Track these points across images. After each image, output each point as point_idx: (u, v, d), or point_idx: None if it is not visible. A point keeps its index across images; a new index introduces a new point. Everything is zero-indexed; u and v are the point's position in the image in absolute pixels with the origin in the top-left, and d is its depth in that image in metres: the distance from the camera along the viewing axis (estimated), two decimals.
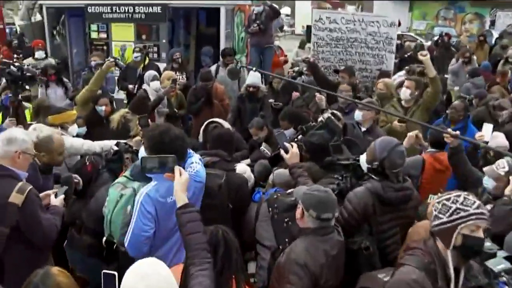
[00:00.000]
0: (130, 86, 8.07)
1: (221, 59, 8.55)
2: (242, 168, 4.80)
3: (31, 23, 11.50)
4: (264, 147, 5.01)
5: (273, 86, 7.74)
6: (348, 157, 3.97)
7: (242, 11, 10.93)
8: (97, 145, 5.01)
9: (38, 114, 5.41)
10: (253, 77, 6.92)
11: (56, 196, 3.73)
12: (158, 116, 7.03)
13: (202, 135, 6.03)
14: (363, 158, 3.52)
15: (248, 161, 5.60)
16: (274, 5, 9.91)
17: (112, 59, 6.90)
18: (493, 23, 32.54)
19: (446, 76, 11.00)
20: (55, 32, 11.17)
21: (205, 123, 6.08)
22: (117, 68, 7.76)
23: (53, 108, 5.29)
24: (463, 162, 4.37)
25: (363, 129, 5.37)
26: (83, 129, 6.22)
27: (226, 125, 6.04)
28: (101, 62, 7.44)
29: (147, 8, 9.86)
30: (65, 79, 7.99)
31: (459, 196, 2.43)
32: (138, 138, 5.00)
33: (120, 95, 8.91)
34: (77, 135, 6.10)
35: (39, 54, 8.88)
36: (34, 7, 12.03)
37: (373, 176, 3.44)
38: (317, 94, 5.87)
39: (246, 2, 11.14)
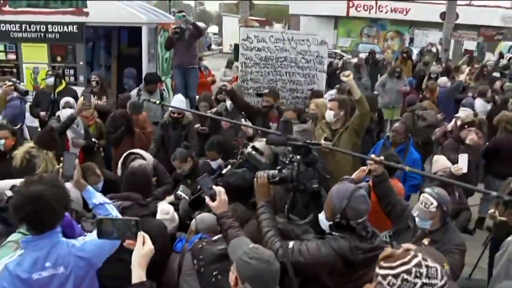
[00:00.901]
0: (42, 113, 7.29)
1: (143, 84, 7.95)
2: (165, 208, 4.27)
3: None
4: (181, 191, 4.50)
5: (200, 110, 7.23)
6: (298, 138, 3.49)
7: (166, 30, 10.37)
8: None
9: None
10: (176, 102, 6.40)
11: None
12: (73, 147, 6.32)
13: (121, 168, 5.45)
14: (322, 217, 3.06)
15: (172, 198, 5.06)
16: (199, 23, 9.47)
17: (10, 83, 6.08)
18: (411, 40, 34.11)
19: (376, 92, 11.01)
20: None
21: (124, 154, 5.50)
22: (17, 94, 6.90)
23: None
24: (389, 192, 4.09)
25: None
26: None
27: (147, 156, 5.50)
28: None
29: (61, 27, 9.05)
30: None
31: (419, 265, 1.92)
32: None
33: (35, 123, 8.11)
34: None
35: None
36: None
37: (337, 234, 2.95)
38: (242, 120, 5.45)
39: (170, 20, 10.57)
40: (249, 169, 3.97)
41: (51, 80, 7.57)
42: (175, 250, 3.61)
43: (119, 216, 3.12)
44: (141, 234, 2.30)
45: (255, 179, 3.24)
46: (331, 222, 2.96)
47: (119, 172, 5.53)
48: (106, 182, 5.25)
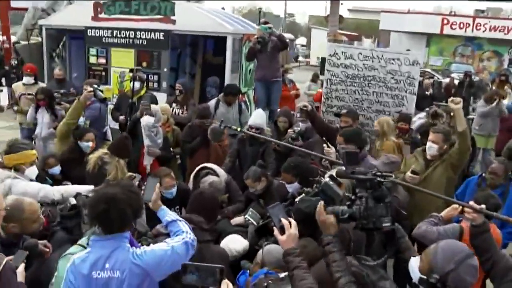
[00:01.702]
0: (121, 118, 7.33)
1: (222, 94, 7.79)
2: (233, 238, 4.07)
3: (29, 44, 10.90)
4: (249, 216, 4.22)
5: (279, 126, 6.94)
6: (365, 171, 3.11)
7: (251, 41, 10.24)
8: (56, 192, 4.25)
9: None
10: (256, 117, 6.15)
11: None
12: (148, 155, 6.26)
13: (192, 182, 5.29)
14: (414, 263, 2.67)
15: (241, 219, 4.81)
16: (286, 34, 9.18)
17: (90, 89, 6.14)
18: (511, 61, 31.83)
19: (469, 117, 10.19)
20: (54, 54, 10.57)
21: (197, 168, 5.33)
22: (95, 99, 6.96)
23: (12, 146, 4.52)
24: (490, 245, 3.40)
25: None
26: (57, 169, 5.49)
27: (220, 172, 5.30)
28: (68, 92, 6.91)
29: (149, 34, 9.19)
30: (58, 107, 7.26)
31: None
32: None
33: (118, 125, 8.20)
34: (51, 177, 5.38)
35: (27, 79, 8.21)
36: (33, 28, 11.52)
37: None
38: (325, 147, 5.06)
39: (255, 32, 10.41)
40: (324, 200, 3.63)
41: (136, 84, 7.63)
42: (237, 283, 3.32)
43: (190, 231, 3.07)
44: (225, 283, 2.26)
45: (318, 210, 2.88)
46: (423, 277, 2.54)
47: (190, 185, 5.37)
48: (179, 190, 5.12)
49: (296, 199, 3.70)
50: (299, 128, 6.21)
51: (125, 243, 2.80)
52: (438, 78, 20.22)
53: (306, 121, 6.27)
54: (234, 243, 4.11)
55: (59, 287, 2.95)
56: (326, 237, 2.81)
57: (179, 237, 2.99)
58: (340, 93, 7.40)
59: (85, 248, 3.09)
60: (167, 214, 3.21)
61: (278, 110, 8.28)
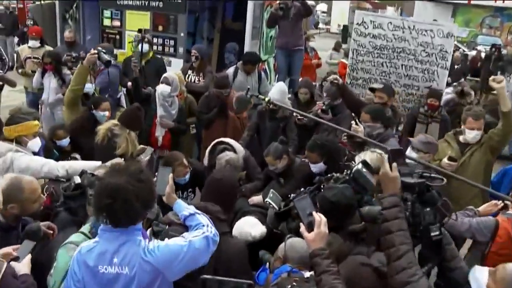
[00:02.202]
0: (129, 84, 6.96)
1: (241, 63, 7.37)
2: (249, 221, 3.75)
3: (41, 4, 10.50)
4: (270, 199, 3.87)
5: (299, 97, 6.56)
6: (411, 171, 2.76)
7: (272, 7, 9.73)
8: (61, 168, 3.94)
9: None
10: (275, 92, 5.73)
11: (18, 259, 2.73)
12: (160, 127, 5.93)
13: (208, 157, 4.95)
14: (480, 274, 2.34)
15: (259, 198, 4.50)
16: (308, 1, 8.66)
17: (94, 51, 5.70)
18: None
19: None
20: (67, 16, 10.16)
21: (213, 143, 4.99)
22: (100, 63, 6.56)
23: (13, 117, 4.20)
24: None
25: None
26: (66, 141, 5.20)
27: (238, 148, 4.95)
28: (79, 56, 6.48)
29: None
30: (66, 71, 6.92)
31: None
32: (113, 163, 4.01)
33: None
34: (60, 149, 5.09)
35: (32, 43, 7.84)
36: None
37: None
38: (353, 124, 4.64)
39: None
40: (355, 190, 3.27)
41: (145, 46, 7.24)
42: (256, 281, 3.00)
43: (211, 225, 2.74)
44: None
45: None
46: None
47: (205, 161, 5.05)
48: (191, 172, 4.81)
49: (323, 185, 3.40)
50: (329, 101, 5.76)
51: (136, 236, 2.49)
52: (464, 51, 19.43)
53: (335, 94, 5.80)
54: (252, 227, 3.78)
55: (59, 277, 2.69)
56: (391, 197, 2.43)
57: (199, 231, 2.65)
58: (366, 64, 6.93)
59: (87, 236, 2.82)
60: (184, 208, 2.87)
61: (300, 80, 7.87)
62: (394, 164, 2.45)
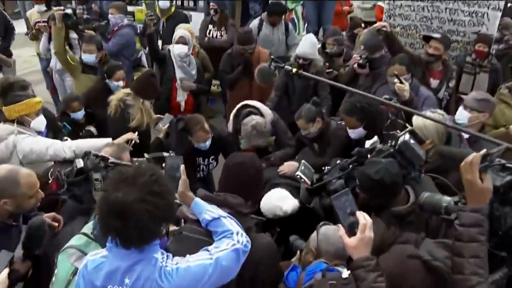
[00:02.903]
0: None
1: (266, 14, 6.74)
2: (280, 194, 3.30)
3: None
4: (301, 172, 3.39)
5: (327, 49, 5.98)
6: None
7: None
8: (67, 149, 3.55)
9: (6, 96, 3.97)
10: (304, 45, 5.15)
11: None
12: (182, 90, 5.46)
13: (233, 122, 4.52)
14: None
15: (292, 166, 4.02)
16: None
17: (60, 8, 5.40)
18: None
19: None
20: None
21: (237, 106, 4.53)
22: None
23: (9, 95, 3.81)
24: None
25: (465, 136, 3.63)
26: (81, 113, 4.86)
27: (265, 111, 4.49)
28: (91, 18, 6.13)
29: None
30: (73, 35, 6.42)
31: None
32: (124, 139, 3.61)
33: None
34: (74, 122, 4.73)
35: (38, 7, 7.33)
36: None
37: None
38: (397, 82, 4.02)
39: None
40: (401, 164, 2.78)
41: (165, 3, 6.68)
42: (286, 283, 2.56)
43: (241, 231, 2.26)
44: None
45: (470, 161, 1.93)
46: None
47: (230, 126, 4.60)
48: (215, 139, 4.44)
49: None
50: (367, 53, 5.12)
51: (153, 253, 2.05)
52: None
53: (377, 45, 5.15)
54: (282, 201, 3.37)
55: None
56: (475, 214, 1.92)
57: (227, 242, 2.18)
58: (405, 10, 6.20)
59: (90, 238, 2.42)
60: (205, 209, 2.35)
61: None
62: (487, 176, 1.91)
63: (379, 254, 2.22)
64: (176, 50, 5.36)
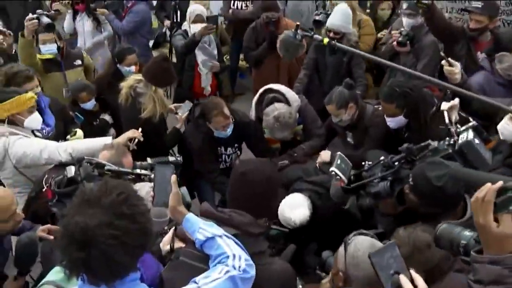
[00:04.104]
0: (167, 22, 6.01)
1: None
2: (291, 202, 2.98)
3: None
4: (336, 167, 2.87)
5: (380, 15, 5.43)
6: None
7: None
8: (63, 152, 3.17)
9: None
10: (337, 17, 4.54)
11: None
12: (205, 73, 5.02)
13: (255, 109, 4.07)
14: None
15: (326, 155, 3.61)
16: None
17: (31, 16, 4.23)
18: None
19: None
20: None
21: (260, 91, 4.06)
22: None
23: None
24: None
25: None
26: (91, 103, 4.54)
27: (292, 97, 4.03)
28: None
29: None
30: (101, 10, 6.03)
31: None
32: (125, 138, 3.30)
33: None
34: (86, 111, 4.39)
35: None
36: None
37: None
38: (446, 64, 3.37)
39: None
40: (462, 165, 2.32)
41: None
42: None
43: (240, 253, 1.85)
44: None
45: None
46: None
47: (252, 113, 4.14)
48: (238, 126, 4.01)
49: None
50: (407, 29, 4.42)
51: (133, 285, 1.68)
52: None
53: (415, 16, 4.41)
54: (292, 211, 3.02)
55: None
56: (493, 266, 1.45)
57: (220, 268, 1.79)
58: None
59: None
60: (198, 227, 1.95)
61: None
62: (507, 216, 1.42)
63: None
64: (194, 30, 4.88)
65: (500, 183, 1.45)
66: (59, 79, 4.73)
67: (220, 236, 1.88)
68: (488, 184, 1.46)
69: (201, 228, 1.91)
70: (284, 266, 2.12)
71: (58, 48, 4.61)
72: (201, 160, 4.05)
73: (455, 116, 2.92)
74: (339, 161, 2.99)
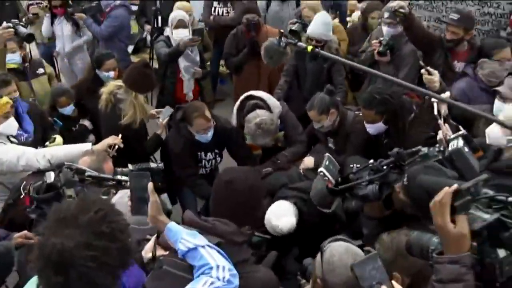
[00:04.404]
0: (147, 27, 5.99)
1: None
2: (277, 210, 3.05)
3: None
4: (324, 168, 2.88)
5: (369, 24, 5.45)
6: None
7: None
8: (41, 158, 3.12)
9: None
10: (316, 24, 4.57)
11: None
12: (188, 79, 5.00)
13: (236, 116, 4.08)
14: None
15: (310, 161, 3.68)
16: None
17: (6, 25, 4.03)
18: None
19: None
20: None
21: (241, 98, 4.08)
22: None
23: None
24: None
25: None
26: (70, 108, 4.48)
27: (273, 103, 4.05)
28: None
29: None
30: (79, 15, 5.97)
31: None
32: (105, 145, 3.28)
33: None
34: (65, 117, 4.35)
35: None
36: None
37: None
38: (425, 73, 3.42)
39: None
40: (450, 172, 2.31)
41: None
42: None
43: (224, 263, 1.83)
44: None
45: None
46: None
47: (233, 120, 4.15)
48: (219, 131, 4.02)
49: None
50: (387, 39, 4.46)
51: None
52: None
53: (395, 25, 4.44)
54: (278, 219, 3.06)
55: None
56: (452, 266, 1.52)
57: (204, 280, 1.77)
58: None
59: None
60: (181, 238, 1.91)
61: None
62: (462, 217, 1.52)
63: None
64: (177, 36, 4.85)
65: (455, 186, 1.53)
66: (25, 89, 4.68)
67: (203, 247, 1.86)
68: (446, 188, 1.54)
69: (183, 238, 1.89)
70: (268, 274, 2.13)
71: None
72: (181, 164, 4.04)
73: (444, 110, 2.98)
74: (327, 162, 3.00)
